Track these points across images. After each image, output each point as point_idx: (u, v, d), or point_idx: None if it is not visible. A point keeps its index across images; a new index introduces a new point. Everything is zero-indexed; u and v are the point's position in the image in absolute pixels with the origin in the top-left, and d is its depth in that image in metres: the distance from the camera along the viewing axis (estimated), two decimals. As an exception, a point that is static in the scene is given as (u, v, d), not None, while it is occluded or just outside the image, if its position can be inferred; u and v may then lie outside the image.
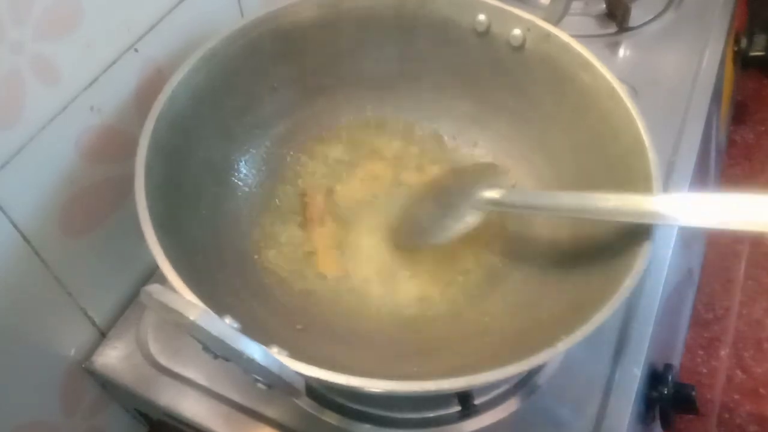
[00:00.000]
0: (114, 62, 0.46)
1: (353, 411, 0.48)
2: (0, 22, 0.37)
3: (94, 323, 0.52)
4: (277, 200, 0.53)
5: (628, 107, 0.45)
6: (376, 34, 0.53)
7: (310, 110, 0.55)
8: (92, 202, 0.48)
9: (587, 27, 0.77)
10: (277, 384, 0.32)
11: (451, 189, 0.52)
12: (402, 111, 0.57)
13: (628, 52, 0.74)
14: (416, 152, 0.57)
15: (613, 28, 0.76)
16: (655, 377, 0.54)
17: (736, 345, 0.93)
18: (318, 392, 0.49)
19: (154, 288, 0.30)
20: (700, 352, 0.92)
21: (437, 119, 0.57)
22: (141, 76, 0.49)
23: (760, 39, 0.83)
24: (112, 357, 0.52)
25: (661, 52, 0.73)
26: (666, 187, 0.42)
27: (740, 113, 1.13)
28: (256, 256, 0.49)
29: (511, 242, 0.52)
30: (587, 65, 0.47)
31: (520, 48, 0.50)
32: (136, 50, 0.47)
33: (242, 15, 0.58)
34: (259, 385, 0.33)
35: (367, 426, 0.48)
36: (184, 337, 0.31)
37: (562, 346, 0.35)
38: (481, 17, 0.51)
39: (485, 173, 0.51)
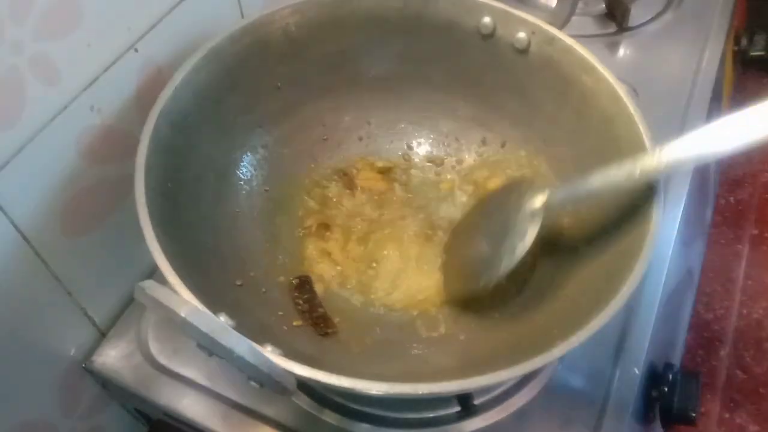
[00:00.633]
0: (114, 62, 0.46)
1: (352, 411, 0.48)
2: (0, 21, 0.37)
3: (94, 323, 0.52)
4: (278, 200, 0.53)
5: (630, 111, 0.45)
6: (380, 34, 0.53)
7: (313, 110, 0.55)
8: (92, 202, 0.48)
9: (587, 27, 0.77)
10: (267, 382, 0.32)
11: (493, 216, 0.50)
12: (404, 112, 0.57)
13: (627, 52, 0.74)
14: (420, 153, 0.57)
15: (612, 28, 0.76)
16: (655, 377, 0.54)
17: (736, 345, 0.93)
18: (317, 392, 0.49)
19: (147, 284, 0.30)
20: (700, 352, 0.93)
21: (440, 120, 0.57)
22: (141, 76, 0.49)
23: (760, 39, 0.83)
24: (112, 357, 0.52)
25: (661, 52, 0.73)
26: (666, 187, 0.42)
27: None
28: (256, 256, 0.49)
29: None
30: (590, 69, 0.47)
31: (524, 51, 0.50)
32: (136, 50, 0.47)
33: (242, 15, 0.58)
34: (252, 383, 0.33)
35: (367, 426, 0.48)
36: (183, 336, 0.31)
37: (558, 352, 0.34)
38: (486, 19, 0.51)
39: (520, 188, 0.49)
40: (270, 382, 0.32)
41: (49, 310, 0.48)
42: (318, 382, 0.33)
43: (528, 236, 0.45)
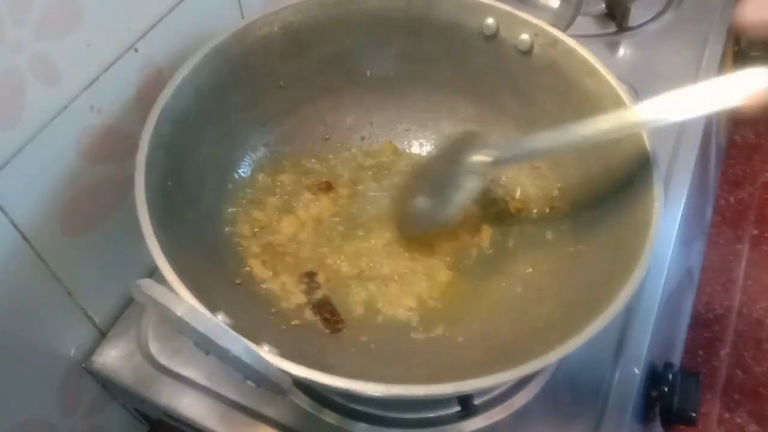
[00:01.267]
0: (114, 62, 0.46)
1: (352, 410, 0.48)
2: (0, 21, 0.37)
3: (94, 323, 0.52)
4: (279, 199, 0.53)
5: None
6: (382, 34, 0.53)
7: (315, 109, 0.55)
8: (92, 202, 0.48)
9: (587, 27, 0.77)
10: (262, 382, 0.32)
11: (441, 167, 0.52)
12: (406, 112, 0.57)
13: (627, 52, 0.74)
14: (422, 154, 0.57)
15: (612, 28, 0.76)
16: (655, 377, 0.54)
17: (736, 345, 0.93)
18: (317, 392, 0.49)
19: (144, 282, 0.30)
20: (700, 352, 0.92)
21: (442, 121, 0.57)
22: (141, 76, 0.49)
23: (759, 39, 0.83)
24: (112, 357, 0.52)
25: (661, 52, 0.73)
26: (666, 187, 0.42)
27: (740, 113, 1.12)
28: (256, 255, 0.49)
29: (509, 243, 0.52)
30: (593, 71, 0.47)
31: (527, 52, 0.50)
32: (136, 50, 0.47)
33: (242, 15, 0.58)
34: (248, 382, 0.33)
35: (367, 426, 0.48)
36: (183, 336, 0.31)
37: (555, 355, 0.34)
38: (490, 21, 0.51)
39: (470, 142, 0.50)
40: (265, 382, 0.32)
41: (49, 310, 0.48)
42: (314, 383, 0.33)
43: (467, 189, 0.47)
